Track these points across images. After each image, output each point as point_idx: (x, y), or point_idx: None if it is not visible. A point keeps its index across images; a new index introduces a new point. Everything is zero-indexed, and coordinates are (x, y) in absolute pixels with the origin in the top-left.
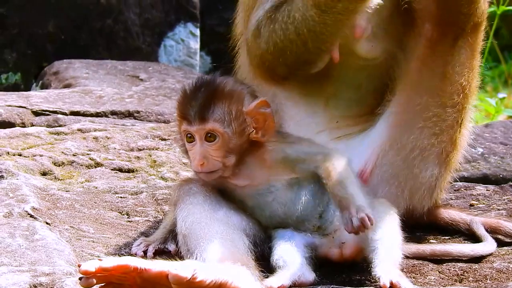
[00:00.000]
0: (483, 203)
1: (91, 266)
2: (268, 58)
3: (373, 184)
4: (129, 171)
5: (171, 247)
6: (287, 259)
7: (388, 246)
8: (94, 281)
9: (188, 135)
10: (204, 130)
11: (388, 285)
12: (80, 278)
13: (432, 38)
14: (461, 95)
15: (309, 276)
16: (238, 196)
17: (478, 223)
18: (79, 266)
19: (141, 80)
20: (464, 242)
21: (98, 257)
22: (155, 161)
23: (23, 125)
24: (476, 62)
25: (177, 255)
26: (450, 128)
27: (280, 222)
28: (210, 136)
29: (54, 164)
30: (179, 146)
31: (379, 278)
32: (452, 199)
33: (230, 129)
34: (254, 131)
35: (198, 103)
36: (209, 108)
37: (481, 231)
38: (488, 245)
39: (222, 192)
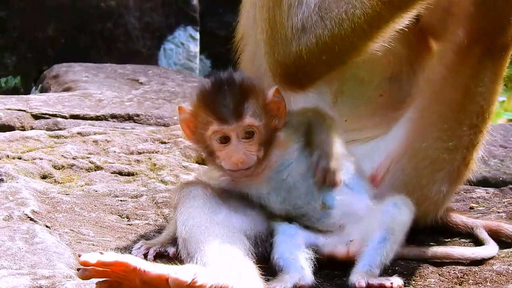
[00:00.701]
0: (483, 206)
1: (91, 258)
2: (304, 57)
3: (383, 190)
4: (129, 174)
5: (171, 250)
6: (287, 260)
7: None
8: (91, 274)
9: (220, 136)
10: (242, 127)
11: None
12: (78, 269)
13: (463, 45)
14: (480, 117)
15: (309, 279)
16: (252, 188)
17: (480, 227)
18: (79, 256)
19: (141, 83)
20: (464, 245)
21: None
22: (155, 164)
23: (23, 128)
24: (498, 88)
25: (177, 259)
26: (465, 148)
27: (294, 206)
28: (247, 132)
29: (54, 167)
30: (201, 150)
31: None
32: (452, 202)
33: (262, 122)
34: (274, 119)
35: (230, 101)
36: (243, 105)
37: (483, 234)
38: (489, 248)
39: (224, 192)
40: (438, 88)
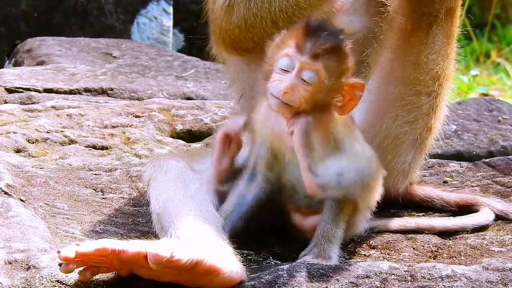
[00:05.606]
0: (457, 180)
1: (70, 251)
2: (235, 32)
3: None
4: (103, 148)
5: None
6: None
7: None
8: (74, 266)
9: (286, 58)
10: (309, 67)
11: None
12: (59, 264)
13: (406, 30)
14: (437, 83)
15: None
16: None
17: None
18: (58, 252)
19: (114, 57)
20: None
21: (73, 233)
22: (129, 138)
23: None
24: (451, 49)
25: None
26: (426, 115)
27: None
28: (309, 77)
29: (28, 141)
30: (263, 70)
31: None
32: (426, 176)
33: (327, 82)
34: (338, 101)
35: (318, 43)
36: (327, 52)
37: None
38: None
39: (195, 163)
40: (387, 70)
